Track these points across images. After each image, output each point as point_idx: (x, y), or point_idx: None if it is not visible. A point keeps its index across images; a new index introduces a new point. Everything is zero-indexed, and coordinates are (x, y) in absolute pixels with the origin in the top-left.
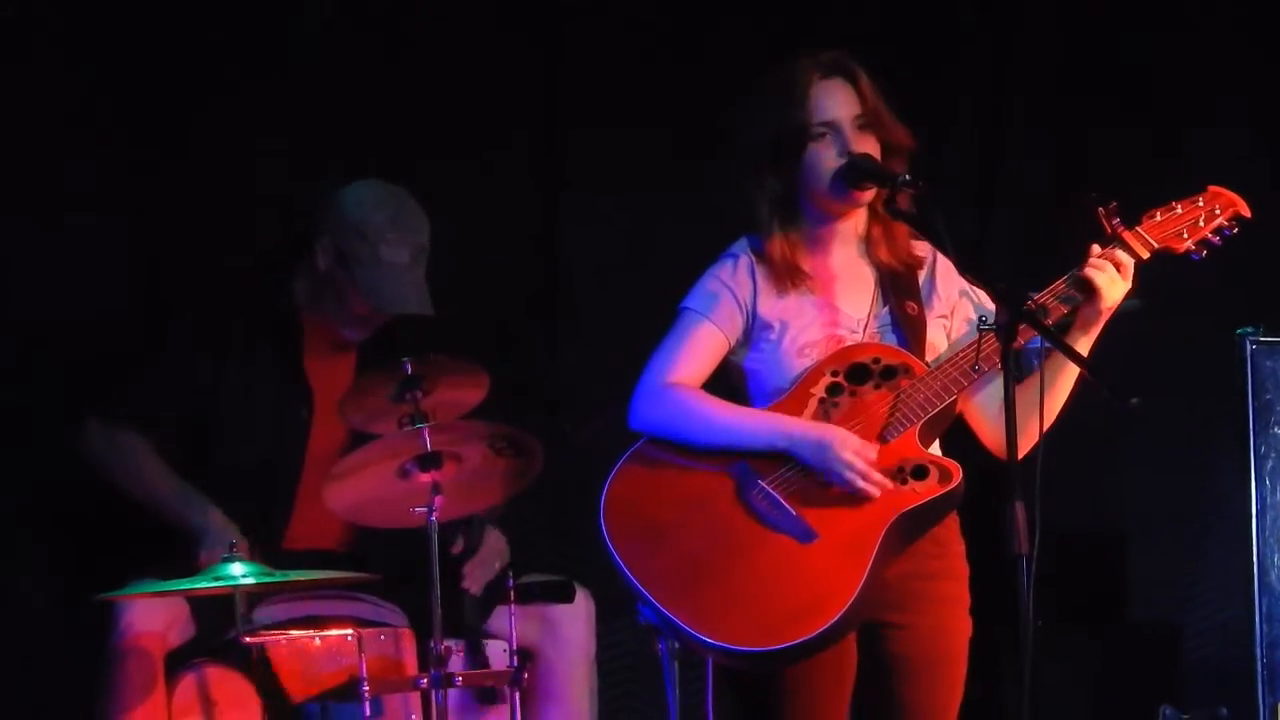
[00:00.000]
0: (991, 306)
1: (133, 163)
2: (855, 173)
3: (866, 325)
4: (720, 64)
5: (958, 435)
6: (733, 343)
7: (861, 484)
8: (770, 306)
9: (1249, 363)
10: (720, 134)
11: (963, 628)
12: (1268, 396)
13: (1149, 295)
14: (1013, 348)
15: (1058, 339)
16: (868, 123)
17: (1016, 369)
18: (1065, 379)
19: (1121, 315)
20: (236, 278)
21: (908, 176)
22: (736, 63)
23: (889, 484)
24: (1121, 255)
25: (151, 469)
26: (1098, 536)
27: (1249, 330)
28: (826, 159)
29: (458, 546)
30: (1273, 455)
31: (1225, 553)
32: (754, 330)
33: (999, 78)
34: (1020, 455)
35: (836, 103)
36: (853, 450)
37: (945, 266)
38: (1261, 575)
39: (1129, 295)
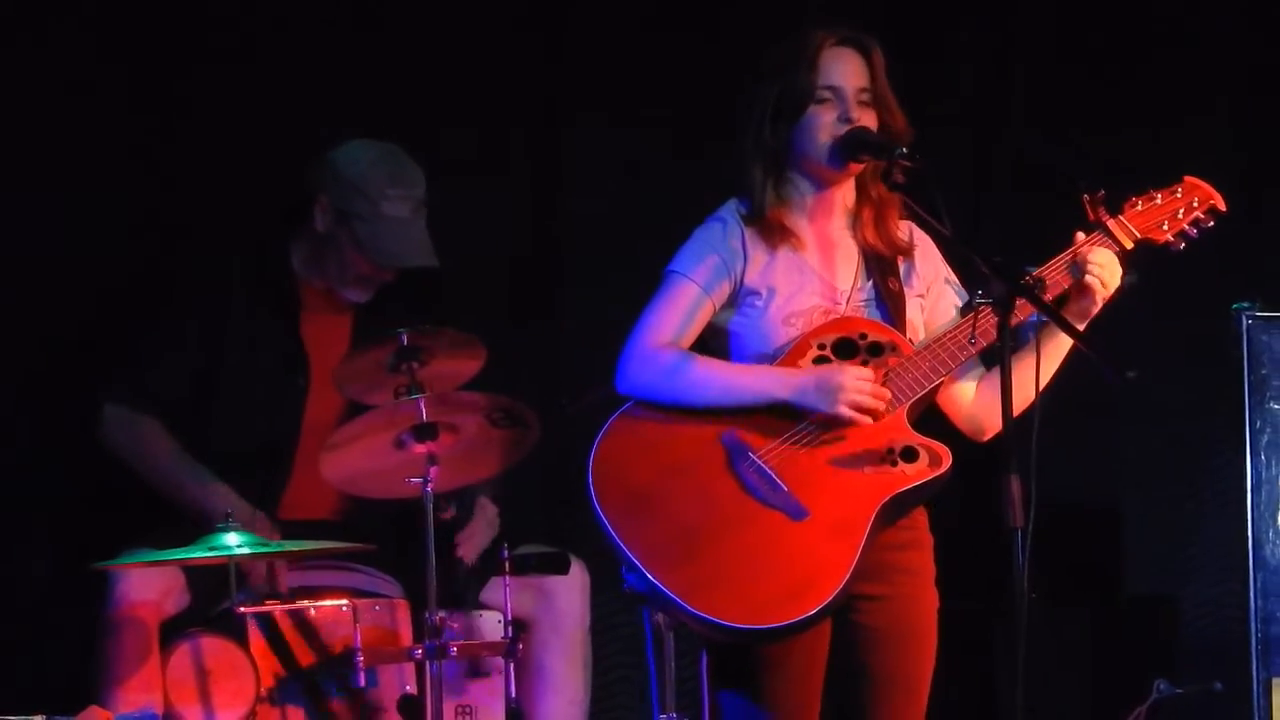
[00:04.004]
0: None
1: (134, 133)
2: (854, 143)
3: (850, 297)
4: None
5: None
6: (718, 306)
7: (865, 418)
8: (758, 272)
9: (1245, 337)
10: (724, 105)
11: (931, 597)
12: (1264, 371)
13: (1145, 270)
14: (1010, 322)
15: (1055, 313)
16: (871, 99)
17: (1011, 342)
18: (1057, 354)
19: (1118, 290)
20: (234, 246)
21: (905, 150)
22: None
23: (885, 403)
24: (1112, 246)
25: (167, 452)
26: (1093, 510)
27: (1245, 305)
28: (825, 122)
29: (449, 513)
30: (1268, 430)
31: (1220, 527)
32: (740, 294)
33: (999, 56)
34: (991, 435)
35: (845, 70)
36: (854, 380)
37: (924, 248)
38: (1256, 550)
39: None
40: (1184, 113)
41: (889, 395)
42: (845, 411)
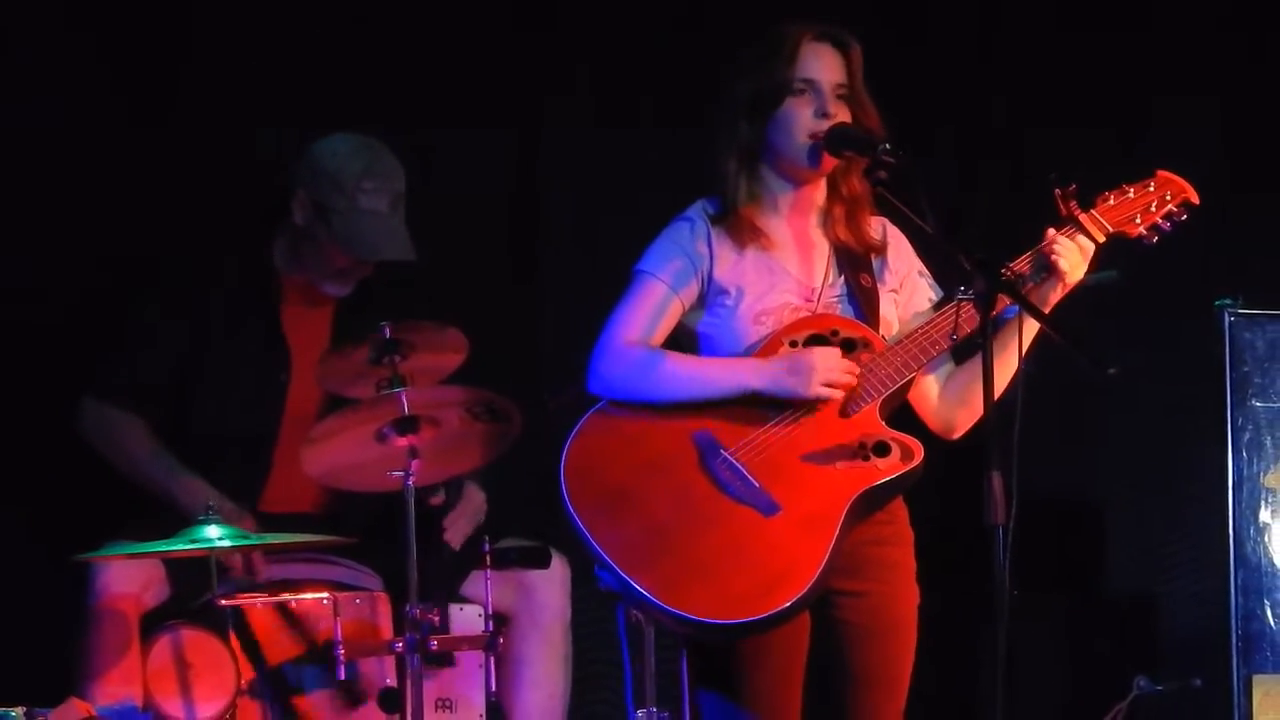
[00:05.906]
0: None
1: (120, 128)
2: (837, 139)
3: (821, 295)
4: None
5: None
6: (687, 306)
7: (839, 394)
8: (727, 270)
9: (1227, 334)
10: (706, 98)
11: (912, 593)
12: (1245, 368)
13: (1127, 266)
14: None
15: (1036, 310)
16: (848, 95)
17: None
18: (1026, 342)
19: (1100, 286)
20: (216, 240)
21: (889, 146)
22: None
23: (855, 378)
24: (1083, 240)
25: (145, 449)
26: (1074, 507)
27: (1227, 302)
28: (802, 116)
29: (438, 498)
30: (1250, 427)
31: (1201, 524)
32: (709, 294)
33: (984, 52)
34: (963, 431)
35: (822, 65)
36: (823, 359)
37: (896, 243)
38: (1237, 547)
39: (1093, 269)
40: (1170, 110)
41: (858, 369)
42: (821, 390)
